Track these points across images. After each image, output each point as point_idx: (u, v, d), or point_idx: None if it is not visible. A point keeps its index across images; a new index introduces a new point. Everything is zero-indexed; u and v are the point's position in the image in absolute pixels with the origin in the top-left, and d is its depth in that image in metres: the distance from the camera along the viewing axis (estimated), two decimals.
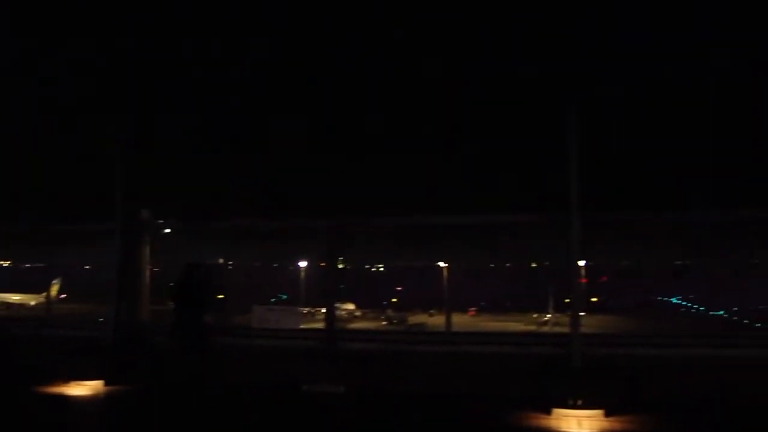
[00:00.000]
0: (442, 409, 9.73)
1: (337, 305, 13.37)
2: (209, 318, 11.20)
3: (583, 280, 11.59)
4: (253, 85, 9.95)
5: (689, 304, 52.38)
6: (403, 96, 9.87)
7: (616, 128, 10.04)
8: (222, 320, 12.09)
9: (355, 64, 9.12)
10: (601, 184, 10.23)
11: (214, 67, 9.45)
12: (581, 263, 11.55)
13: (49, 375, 11.32)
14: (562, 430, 8.54)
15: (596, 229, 10.49)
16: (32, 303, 39.00)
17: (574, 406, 8.93)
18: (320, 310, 11.78)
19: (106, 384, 11.15)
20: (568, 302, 10.33)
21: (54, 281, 34.01)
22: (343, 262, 12.34)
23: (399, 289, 53.67)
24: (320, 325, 11.68)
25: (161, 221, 13.19)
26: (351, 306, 42.16)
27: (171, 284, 11.48)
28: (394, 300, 52.56)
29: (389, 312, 47.72)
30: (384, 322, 44.12)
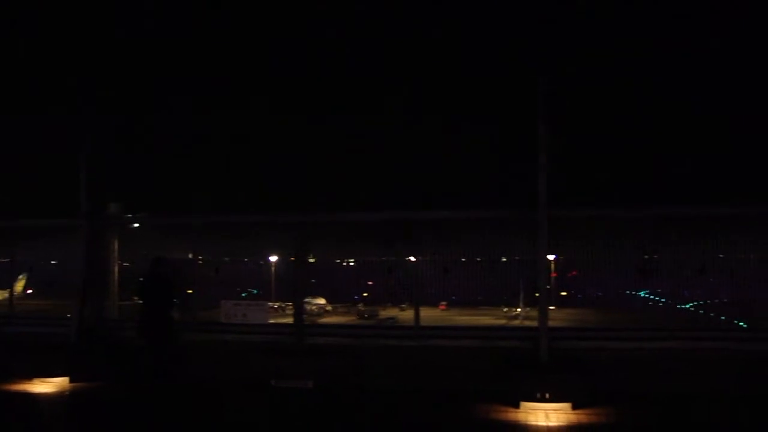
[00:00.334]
0: (410, 403, 9.77)
1: (308, 300, 13.33)
2: (176, 313, 11.09)
3: (553, 275, 11.66)
4: (221, 74, 9.86)
5: (657, 298, 53.14)
6: (372, 91, 9.87)
7: (585, 125, 10.15)
8: (190, 315, 11.98)
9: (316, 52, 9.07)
10: (571, 181, 10.33)
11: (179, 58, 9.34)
12: (551, 257, 11.66)
13: (13, 372, 11.16)
14: (530, 423, 8.63)
15: (565, 223, 10.58)
16: None
17: (542, 400, 9.05)
18: (290, 305, 11.73)
19: (71, 381, 11.01)
20: (537, 296, 10.42)
21: (20, 276, 33.38)
22: (314, 257, 12.28)
23: (370, 283, 53.57)
24: (290, 320, 11.62)
25: (129, 215, 13.01)
26: (322, 301, 41.92)
27: (140, 279, 11.35)
28: (365, 294, 52.41)
29: (360, 306, 47.54)
30: (355, 317, 43.98)
